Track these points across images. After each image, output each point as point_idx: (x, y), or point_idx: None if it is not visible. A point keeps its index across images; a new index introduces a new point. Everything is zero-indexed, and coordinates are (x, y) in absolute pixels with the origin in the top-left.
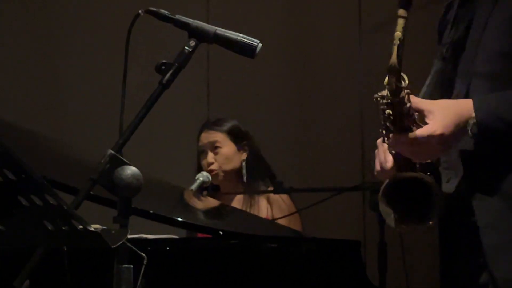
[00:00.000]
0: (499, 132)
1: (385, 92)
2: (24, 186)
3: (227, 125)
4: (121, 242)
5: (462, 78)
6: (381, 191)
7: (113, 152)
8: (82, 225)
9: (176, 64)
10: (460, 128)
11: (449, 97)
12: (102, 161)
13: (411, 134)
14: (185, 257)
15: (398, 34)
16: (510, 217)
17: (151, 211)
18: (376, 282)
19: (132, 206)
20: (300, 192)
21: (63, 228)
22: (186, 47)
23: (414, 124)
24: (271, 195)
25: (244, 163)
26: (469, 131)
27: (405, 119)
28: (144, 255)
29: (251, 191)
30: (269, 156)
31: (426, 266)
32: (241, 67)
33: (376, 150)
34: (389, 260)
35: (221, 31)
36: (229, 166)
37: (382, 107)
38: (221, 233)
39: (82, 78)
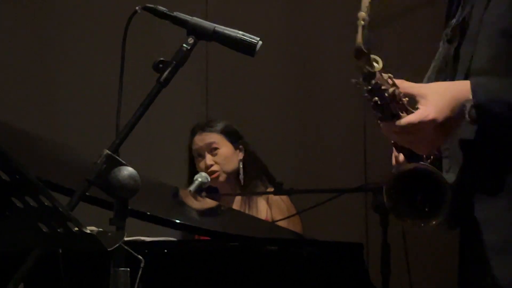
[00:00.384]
0: (501, 117)
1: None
2: (18, 187)
3: (221, 125)
4: (117, 244)
5: (464, 59)
6: (384, 186)
7: (109, 152)
8: (77, 227)
9: (174, 62)
10: (456, 113)
11: (450, 79)
12: (98, 161)
13: (399, 121)
14: (184, 260)
15: (362, 14)
16: None
17: (148, 213)
18: (379, 285)
19: (129, 207)
20: (301, 194)
21: (58, 230)
22: (184, 45)
23: (404, 110)
24: (271, 196)
25: (241, 163)
26: (467, 115)
27: (391, 105)
28: (141, 258)
29: (251, 193)
30: (269, 157)
31: (430, 268)
32: (240, 65)
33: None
34: (392, 263)
35: (220, 28)
36: (229, 167)
37: (365, 94)
38: (220, 235)
39: (78, 76)
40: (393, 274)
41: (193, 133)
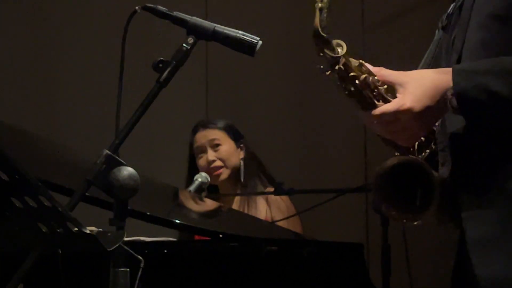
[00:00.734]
0: (482, 105)
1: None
2: (17, 187)
3: (223, 123)
4: (117, 245)
5: (456, 45)
6: (373, 181)
7: (109, 152)
8: (77, 227)
9: (174, 62)
10: (437, 101)
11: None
12: (98, 161)
13: (374, 111)
14: (183, 260)
15: None
16: (499, 209)
17: (148, 213)
18: (380, 286)
19: (129, 207)
20: (301, 194)
21: (58, 230)
22: (184, 45)
23: (381, 99)
24: (270, 196)
25: (242, 162)
26: (448, 104)
27: (364, 93)
28: (141, 258)
29: (251, 193)
30: (269, 157)
31: (430, 269)
32: (240, 65)
33: None
34: (393, 263)
35: (220, 28)
36: (232, 163)
37: (338, 82)
38: (220, 235)
39: (77, 76)
40: (394, 275)
41: (195, 130)
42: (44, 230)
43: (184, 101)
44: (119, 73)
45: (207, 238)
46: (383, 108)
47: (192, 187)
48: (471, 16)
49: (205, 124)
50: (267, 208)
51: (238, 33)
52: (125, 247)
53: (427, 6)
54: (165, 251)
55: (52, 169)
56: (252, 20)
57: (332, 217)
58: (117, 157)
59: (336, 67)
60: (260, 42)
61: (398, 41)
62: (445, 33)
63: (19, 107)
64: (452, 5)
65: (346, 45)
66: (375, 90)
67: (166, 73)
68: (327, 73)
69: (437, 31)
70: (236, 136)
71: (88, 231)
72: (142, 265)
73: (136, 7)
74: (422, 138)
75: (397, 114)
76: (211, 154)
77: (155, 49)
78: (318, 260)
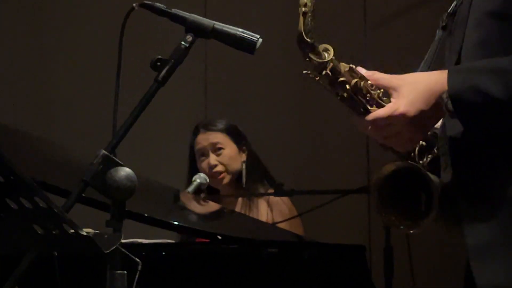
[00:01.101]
0: (477, 107)
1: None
2: (12, 188)
3: (225, 125)
4: (114, 247)
5: (455, 44)
6: (371, 188)
7: (106, 152)
8: (73, 229)
9: (172, 61)
10: (432, 105)
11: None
12: (95, 162)
13: (367, 117)
14: (182, 263)
15: (303, 0)
16: (499, 215)
17: (146, 214)
18: None
19: (126, 209)
20: (302, 195)
21: (54, 232)
22: (182, 43)
23: (374, 104)
24: (271, 197)
25: (244, 165)
26: (444, 108)
27: (356, 99)
28: (138, 260)
29: (251, 194)
30: (269, 157)
31: (434, 272)
32: (240, 63)
33: None
34: (395, 266)
35: (220, 25)
36: (234, 168)
37: (328, 87)
38: (219, 237)
39: (74, 75)
40: (396, 278)
41: (196, 132)
42: (39, 232)
43: (183, 101)
44: (117, 72)
45: (207, 240)
46: (376, 113)
47: (190, 188)
48: (469, 14)
49: (206, 126)
50: (268, 210)
51: (238, 30)
52: (122, 249)
53: (429, 3)
54: (163, 253)
55: (48, 169)
56: (252, 17)
57: (334, 218)
58: (114, 157)
59: (323, 73)
60: (261, 39)
61: (400, 38)
62: (446, 33)
63: (14, 106)
64: (453, 4)
65: (334, 49)
66: (368, 95)
67: (164, 71)
68: (316, 78)
69: (438, 31)
70: (238, 138)
71: (84, 233)
72: (139, 267)
73: (134, 4)
74: (423, 142)
75: (391, 119)
76: (213, 158)
77: (153, 47)
78: (319, 262)
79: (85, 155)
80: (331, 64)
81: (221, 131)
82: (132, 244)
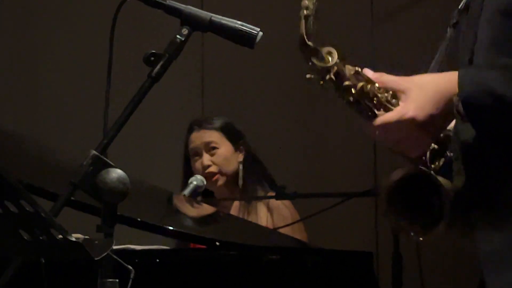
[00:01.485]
0: (489, 110)
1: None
2: None
3: (220, 123)
4: (105, 253)
5: (467, 44)
6: (381, 194)
7: (96, 153)
8: (61, 234)
9: (167, 55)
10: (442, 109)
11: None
12: (85, 163)
13: (375, 121)
14: (177, 270)
15: (305, 3)
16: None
17: (139, 219)
18: None
19: (118, 213)
20: (306, 198)
21: (41, 237)
22: (178, 36)
23: (382, 108)
24: (271, 201)
25: (241, 166)
26: (455, 111)
27: (363, 103)
28: (131, 268)
29: (250, 197)
30: (270, 158)
31: (445, 281)
32: (239, 58)
33: None
34: (404, 274)
35: (217, 18)
36: (229, 169)
37: (336, 92)
38: (217, 243)
39: (62, 71)
40: (405, 286)
41: (190, 130)
42: (26, 237)
43: (178, 98)
44: (108, 67)
45: (203, 246)
46: (384, 117)
47: (186, 191)
48: (482, 12)
49: (200, 124)
50: (268, 214)
51: (236, 23)
52: (114, 256)
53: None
54: (157, 260)
55: (35, 171)
56: (251, 10)
57: (339, 223)
58: (105, 158)
59: (327, 77)
60: (261, 33)
61: (407, 32)
62: (456, 30)
63: (0, 104)
64: (463, 1)
65: (340, 51)
66: (375, 98)
67: (158, 67)
68: (320, 82)
69: (448, 28)
70: (234, 137)
71: (73, 239)
72: (132, 275)
73: None
74: (435, 145)
75: (400, 123)
76: (206, 158)
77: (147, 41)
78: (323, 270)
79: (75, 156)
80: (335, 68)
81: (216, 129)
82: (124, 250)
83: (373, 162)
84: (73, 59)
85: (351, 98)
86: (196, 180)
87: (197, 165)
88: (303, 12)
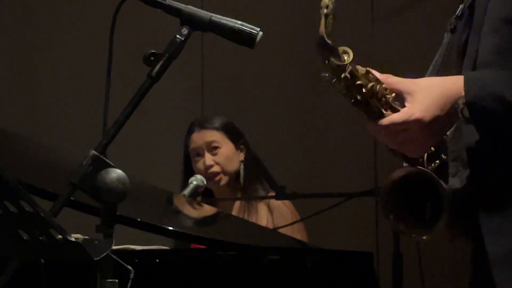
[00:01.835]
0: (497, 115)
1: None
2: None
3: (221, 122)
4: (105, 253)
5: (470, 52)
6: (379, 195)
7: (96, 153)
8: (61, 234)
9: (167, 55)
10: (447, 111)
11: (459, 73)
12: (84, 163)
13: (382, 121)
14: (177, 270)
15: (324, 2)
16: None
17: (138, 219)
18: None
19: (118, 213)
20: (306, 198)
21: (40, 238)
22: (177, 36)
23: (389, 108)
24: (272, 201)
25: (242, 165)
26: (459, 114)
27: (371, 103)
28: (131, 268)
29: (251, 197)
30: (270, 158)
31: (445, 281)
32: (239, 58)
33: None
34: (405, 274)
35: (217, 17)
36: (231, 168)
37: (343, 91)
38: (217, 243)
39: (62, 71)
40: (406, 286)
41: (191, 130)
42: (25, 238)
43: (178, 98)
44: (107, 67)
45: (203, 246)
46: (391, 118)
47: (186, 191)
48: (485, 20)
49: (202, 124)
50: (269, 214)
51: (236, 23)
52: (114, 256)
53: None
54: (157, 260)
55: (34, 171)
56: (251, 10)
57: (339, 223)
58: (104, 158)
59: (342, 76)
60: (261, 33)
61: (407, 32)
62: (453, 36)
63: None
64: (460, 6)
65: (353, 52)
66: (383, 98)
67: (158, 66)
68: (333, 81)
69: (445, 34)
70: (235, 136)
71: (73, 239)
72: (132, 275)
73: None
74: (432, 147)
75: (406, 124)
76: (208, 158)
77: (146, 41)
78: (323, 270)
79: (74, 156)
80: (350, 67)
81: (217, 129)
82: (124, 250)
83: (374, 162)
84: (73, 59)
85: (360, 97)
86: (196, 180)
87: (199, 165)
88: (323, 10)
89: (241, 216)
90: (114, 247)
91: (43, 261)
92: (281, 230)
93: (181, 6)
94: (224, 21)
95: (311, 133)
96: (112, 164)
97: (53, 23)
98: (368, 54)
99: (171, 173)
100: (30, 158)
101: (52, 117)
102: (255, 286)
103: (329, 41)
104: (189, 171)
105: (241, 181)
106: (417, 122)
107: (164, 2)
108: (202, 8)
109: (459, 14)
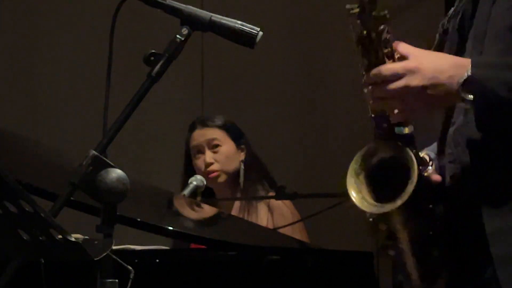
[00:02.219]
0: (496, 96)
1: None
2: None
3: (223, 121)
4: (105, 253)
5: (473, 57)
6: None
7: (96, 153)
8: (61, 234)
9: (167, 55)
10: (447, 76)
11: None
12: (84, 163)
13: (381, 66)
14: (177, 270)
15: None
16: None
17: (138, 219)
18: None
19: (117, 213)
20: (306, 198)
21: (40, 238)
22: (177, 36)
23: (392, 59)
24: (272, 201)
25: (242, 165)
26: (460, 91)
27: (380, 52)
28: (130, 268)
29: (251, 197)
30: (270, 158)
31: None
32: (239, 58)
33: None
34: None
35: (217, 17)
36: (230, 167)
37: (358, 35)
38: (217, 243)
39: (62, 71)
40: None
41: (192, 128)
42: (25, 238)
43: (178, 97)
44: (107, 67)
45: (203, 246)
46: (391, 64)
47: (186, 191)
48: (487, 27)
49: (204, 122)
50: (269, 214)
51: (236, 23)
52: (114, 256)
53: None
54: (157, 260)
55: (34, 171)
56: (251, 10)
57: (339, 223)
58: (104, 158)
59: (371, 13)
60: (261, 33)
61: (404, 33)
62: (447, 36)
63: None
64: (452, 9)
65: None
66: (389, 49)
67: (158, 66)
68: (354, 11)
69: (437, 35)
70: (236, 135)
71: (73, 239)
72: (132, 275)
73: None
74: (425, 155)
75: (404, 69)
76: (209, 156)
77: (146, 41)
78: (323, 270)
79: (74, 156)
80: (382, 13)
81: (219, 127)
82: (124, 250)
83: None
84: (73, 59)
85: (369, 41)
86: (196, 180)
87: (199, 162)
88: None
89: (241, 216)
90: (114, 247)
91: (43, 261)
92: (281, 230)
93: (181, 6)
94: (224, 21)
95: (311, 133)
96: (112, 164)
97: (53, 23)
98: None
99: (171, 173)
100: (30, 158)
101: (52, 117)
102: (255, 286)
103: None
104: (190, 170)
105: (241, 180)
106: (415, 70)
107: (164, 2)
108: (202, 8)
109: (450, 16)
